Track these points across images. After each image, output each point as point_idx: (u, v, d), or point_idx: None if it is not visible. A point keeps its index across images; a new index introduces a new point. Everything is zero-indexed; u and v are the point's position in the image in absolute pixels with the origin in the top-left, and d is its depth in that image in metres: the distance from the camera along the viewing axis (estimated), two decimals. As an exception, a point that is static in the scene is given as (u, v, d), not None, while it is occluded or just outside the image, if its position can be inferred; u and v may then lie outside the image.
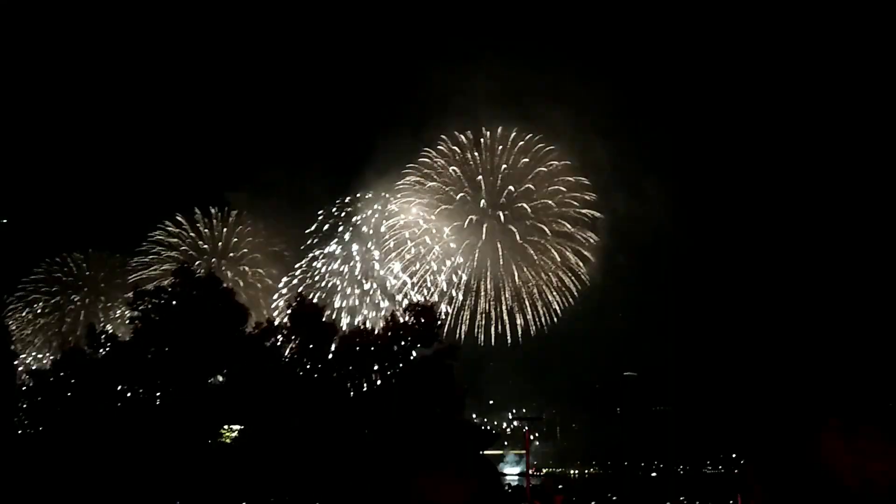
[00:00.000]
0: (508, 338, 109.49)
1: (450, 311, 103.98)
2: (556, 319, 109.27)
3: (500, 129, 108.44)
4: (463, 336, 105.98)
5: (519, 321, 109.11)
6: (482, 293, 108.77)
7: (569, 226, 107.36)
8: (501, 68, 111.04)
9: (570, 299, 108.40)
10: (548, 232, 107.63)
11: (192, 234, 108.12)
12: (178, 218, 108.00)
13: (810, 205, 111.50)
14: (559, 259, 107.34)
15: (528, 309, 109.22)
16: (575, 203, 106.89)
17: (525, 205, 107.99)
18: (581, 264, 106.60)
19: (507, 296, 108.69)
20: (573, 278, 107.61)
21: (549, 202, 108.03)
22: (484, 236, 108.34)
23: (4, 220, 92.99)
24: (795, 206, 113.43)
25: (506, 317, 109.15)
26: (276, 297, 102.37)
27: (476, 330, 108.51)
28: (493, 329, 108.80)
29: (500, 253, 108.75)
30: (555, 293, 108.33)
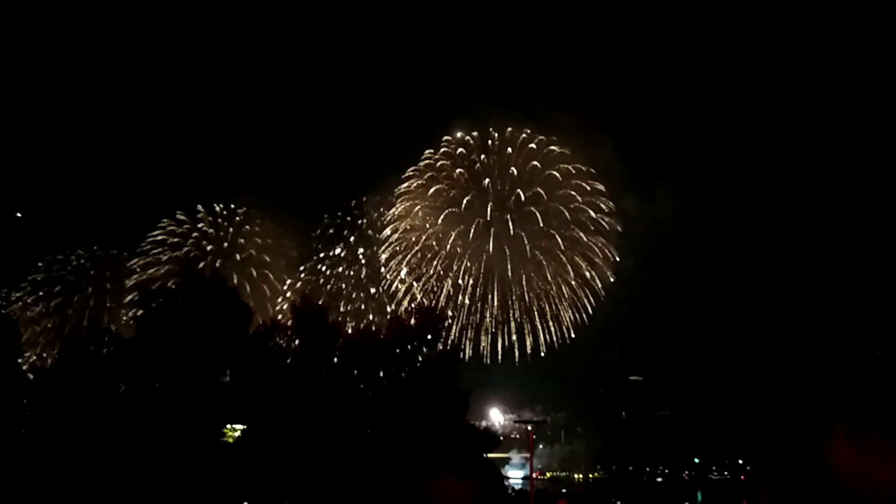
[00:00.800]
0: (516, 350, 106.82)
1: (456, 315, 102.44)
2: (566, 335, 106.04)
3: (508, 131, 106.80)
4: (470, 342, 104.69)
5: (527, 330, 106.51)
6: (489, 301, 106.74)
7: (580, 233, 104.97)
8: (510, 70, 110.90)
9: (581, 313, 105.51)
10: (558, 238, 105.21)
11: (195, 235, 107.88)
12: (182, 217, 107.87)
13: (819, 211, 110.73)
14: (569, 266, 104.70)
15: (538, 319, 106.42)
16: (587, 209, 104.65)
17: (534, 209, 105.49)
18: (592, 272, 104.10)
19: (513, 300, 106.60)
20: (584, 289, 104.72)
21: (559, 207, 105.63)
22: (491, 241, 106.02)
23: (18, 214, 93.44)
24: (804, 213, 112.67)
25: (513, 327, 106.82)
26: (280, 299, 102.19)
27: (482, 338, 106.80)
28: (500, 339, 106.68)
29: (509, 259, 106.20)
30: (565, 304, 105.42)
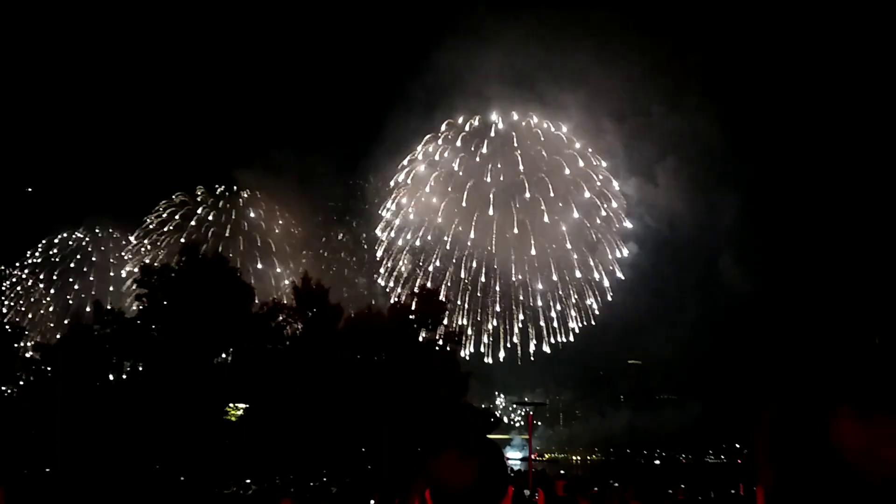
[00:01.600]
0: (518, 340, 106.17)
1: (457, 302, 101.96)
2: (569, 324, 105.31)
3: (513, 115, 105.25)
4: (472, 328, 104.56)
5: (529, 318, 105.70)
6: (490, 288, 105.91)
7: (585, 220, 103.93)
8: (514, 51, 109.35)
9: (584, 301, 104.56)
10: (562, 225, 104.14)
11: (196, 217, 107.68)
12: (183, 198, 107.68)
13: (820, 202, 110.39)
14: (574, 254, 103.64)
15: (540, 308, 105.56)
16: (593, 197, 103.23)
17: (538, 196, 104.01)
18: (596, 260, 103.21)
19: (516, 287, 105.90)
20: (588, 277, 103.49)
21: (564, 194, 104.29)
22: (494, 229, 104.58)
23: (29, 189, 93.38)
24: (805, 203, 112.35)
25: (515, 315, 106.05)
26: (284, 283, 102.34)
27: (484, 325, 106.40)
28: (502, 327, 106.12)
29: (512, 248, 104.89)
30: (569, 293, 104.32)
